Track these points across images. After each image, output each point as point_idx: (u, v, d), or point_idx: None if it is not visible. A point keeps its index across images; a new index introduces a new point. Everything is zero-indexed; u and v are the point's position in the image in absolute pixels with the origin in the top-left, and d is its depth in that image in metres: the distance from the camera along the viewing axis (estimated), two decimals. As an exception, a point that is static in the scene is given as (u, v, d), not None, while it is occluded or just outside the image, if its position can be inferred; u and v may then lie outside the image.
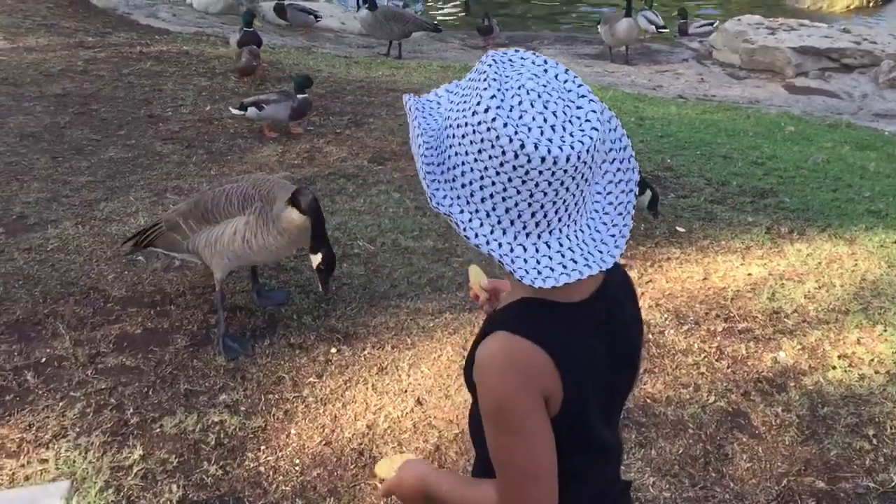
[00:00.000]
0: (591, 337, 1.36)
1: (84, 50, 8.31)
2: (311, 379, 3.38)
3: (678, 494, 2.87)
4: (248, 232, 3.43)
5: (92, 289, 3.96)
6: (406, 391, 3.31)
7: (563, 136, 1.23)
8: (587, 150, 1.23)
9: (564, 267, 1.28)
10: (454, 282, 4.12)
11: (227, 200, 3.51)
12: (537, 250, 1.28)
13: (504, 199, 1.25)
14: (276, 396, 3.27)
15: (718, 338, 3.74)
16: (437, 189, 1.30)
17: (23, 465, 2.88)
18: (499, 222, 1.27)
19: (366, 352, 3.55)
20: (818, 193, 5.50)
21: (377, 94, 7.34)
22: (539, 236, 1.28)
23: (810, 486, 2.92)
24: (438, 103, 1.41)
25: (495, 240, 1.28)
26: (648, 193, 4.52)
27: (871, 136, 7.49)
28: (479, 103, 1.24)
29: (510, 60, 1.30)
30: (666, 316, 3.88)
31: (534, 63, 1.29)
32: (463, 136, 1.26)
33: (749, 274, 4.31)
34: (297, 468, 2.93)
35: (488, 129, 1.22)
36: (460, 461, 2.96)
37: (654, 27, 11.21)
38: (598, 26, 10.80)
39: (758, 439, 3.13)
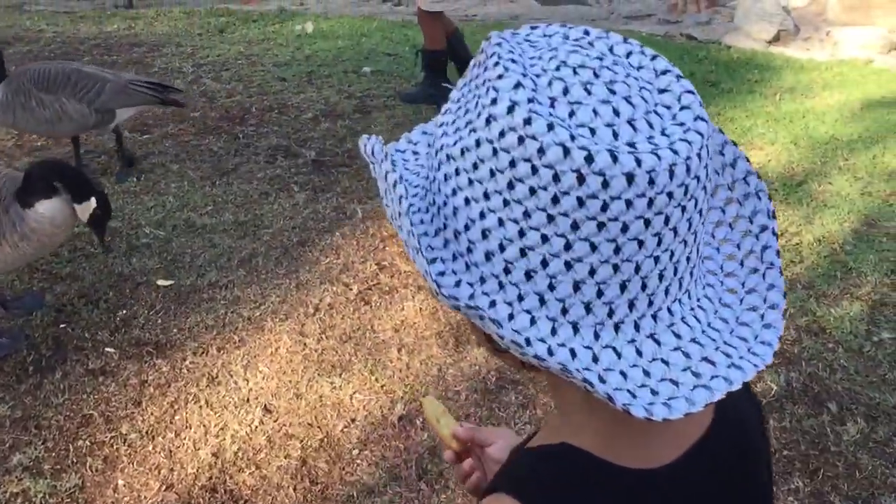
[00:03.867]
0: None
1: None
2: (127, 410, 2.75)
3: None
4: None
5: None
6: (248, 400, 2.80)
7: (650, 136, 0.67)
8: (698, 155, 0.67)
9: (676, 385, 0.68)
10: (269, 258, 3.58)
11: None
12: (640, 353, 0.69)
13: (570, 267, 0.66)
14: (88, 442, 2.63)
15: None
16: (445, 272, 0.72)
17: None
18: (563, 312, 0.68)
19: (187, 361, 2.97)
20: None
21: (119, 51, 6.41)
22: (637, 327, 0.69)
23: None
24: (415, 153, 0.84)
25: (561, 344, 0.68)
26: None
27: None
28: (494, 102, 0.67)
29: (526, 40, 0.74)
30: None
31: (566, 37, 0.73)
32: (474, 167, 0.69)
33: None
34: (137, 528, 2.35)
35: (521, 141, 0.65)
36: (333, 471, 2.53)
37: None
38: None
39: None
